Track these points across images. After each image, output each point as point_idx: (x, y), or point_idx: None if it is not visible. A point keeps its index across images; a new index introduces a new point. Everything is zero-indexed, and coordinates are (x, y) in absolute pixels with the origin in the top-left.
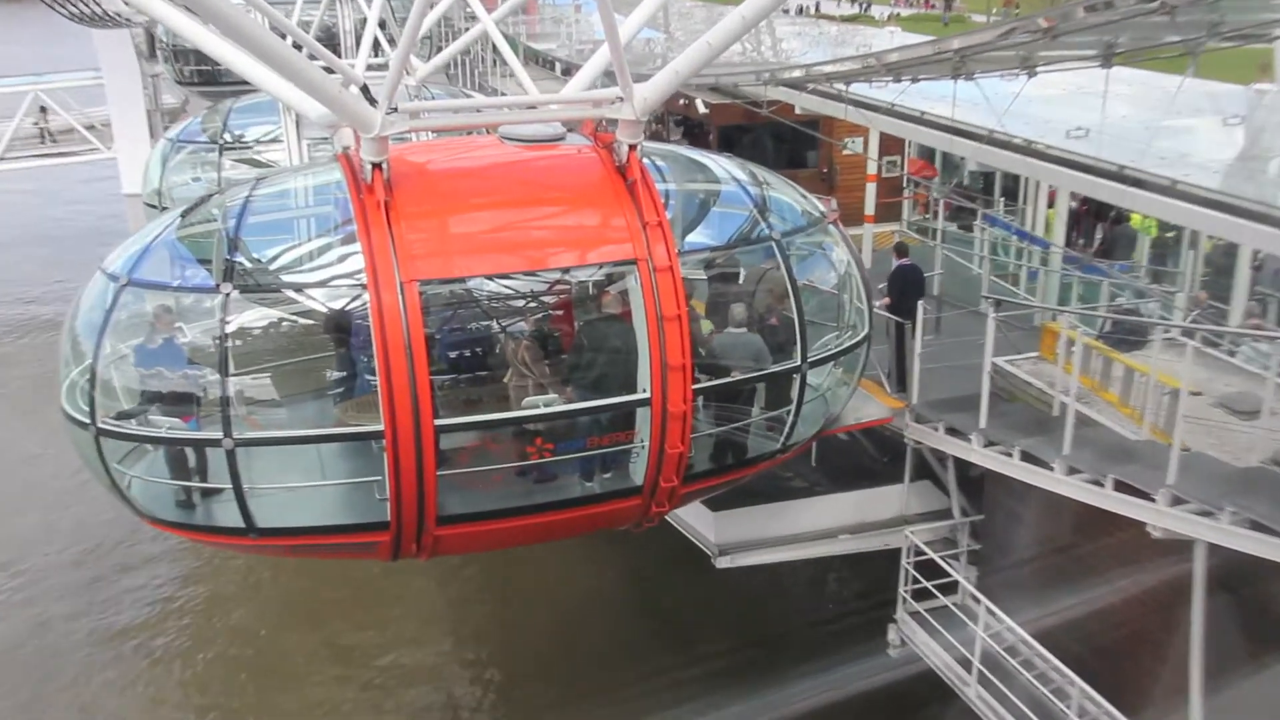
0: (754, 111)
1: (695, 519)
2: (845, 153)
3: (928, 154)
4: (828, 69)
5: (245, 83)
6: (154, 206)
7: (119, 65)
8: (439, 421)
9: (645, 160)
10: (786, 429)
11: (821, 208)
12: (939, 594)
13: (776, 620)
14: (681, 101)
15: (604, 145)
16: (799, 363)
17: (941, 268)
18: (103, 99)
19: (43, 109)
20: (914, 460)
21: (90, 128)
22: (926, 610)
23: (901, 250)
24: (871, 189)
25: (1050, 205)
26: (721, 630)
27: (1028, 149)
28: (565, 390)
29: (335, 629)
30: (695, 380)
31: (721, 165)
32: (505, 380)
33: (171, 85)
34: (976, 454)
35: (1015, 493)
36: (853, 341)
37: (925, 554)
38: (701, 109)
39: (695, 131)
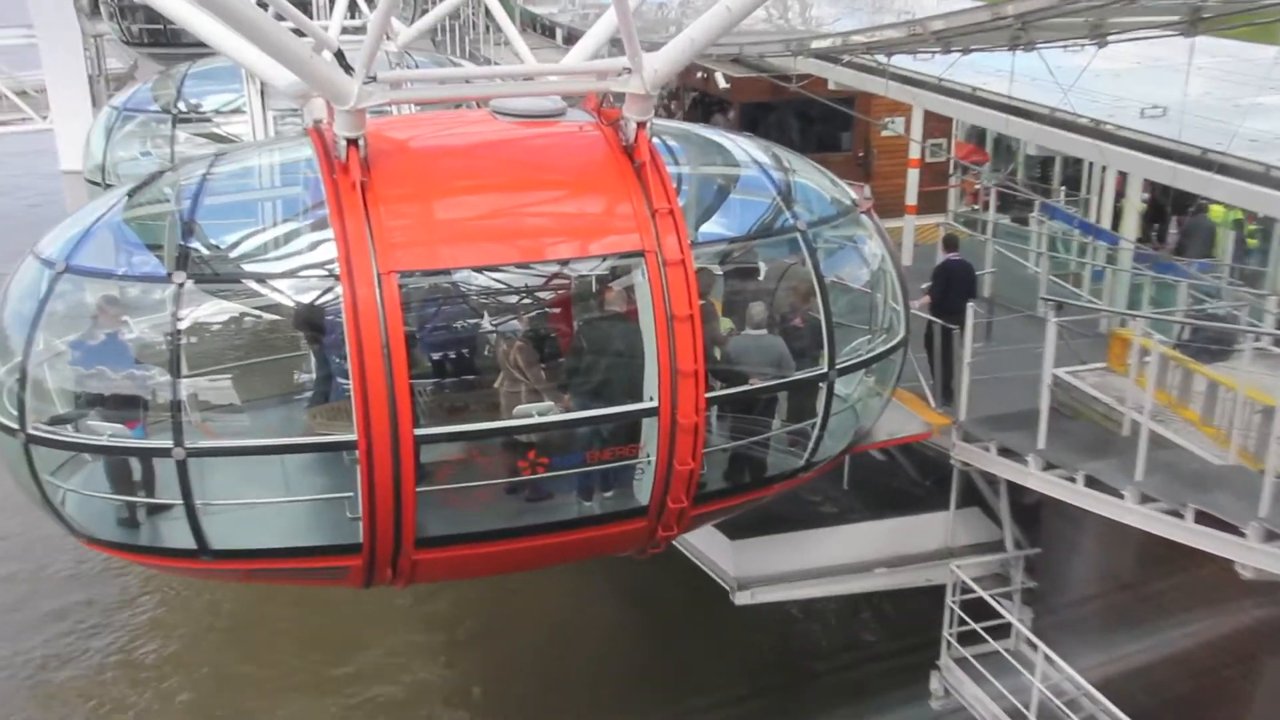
0: (782, 87)
1: (710, 548)
2: (884, 134)
3: (977, 137)
4: (864, 38)
5: (203, 45)
6: (96, 184)
7: (56, 23)
8: (419, 431)
9: (655, 140)
10: (811, 444)
11: (854, 195)
12: (989, 637)
13: (799, 661)
14: (699, 75)
15: (609, 122)
16: (826, 369)
17: (993, 265)
18: (36, 62)
19: None
20: (961, 484)
21: (22, 94)
22: (974, 655)
23: (950, 243)
24: (914, 175)
25: (1120, 195)
26: (736, 671)
27: (1095, 130)
28: (562, 397)
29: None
30: (709, 388)
31: (741, 147)
32: (495, 385)
33: (118, 47)
34: (1035, 478)
35: (1077, 523)
36: (887, 347)
37: (974, 591)
38: (722, 84)
39: (714, 109)
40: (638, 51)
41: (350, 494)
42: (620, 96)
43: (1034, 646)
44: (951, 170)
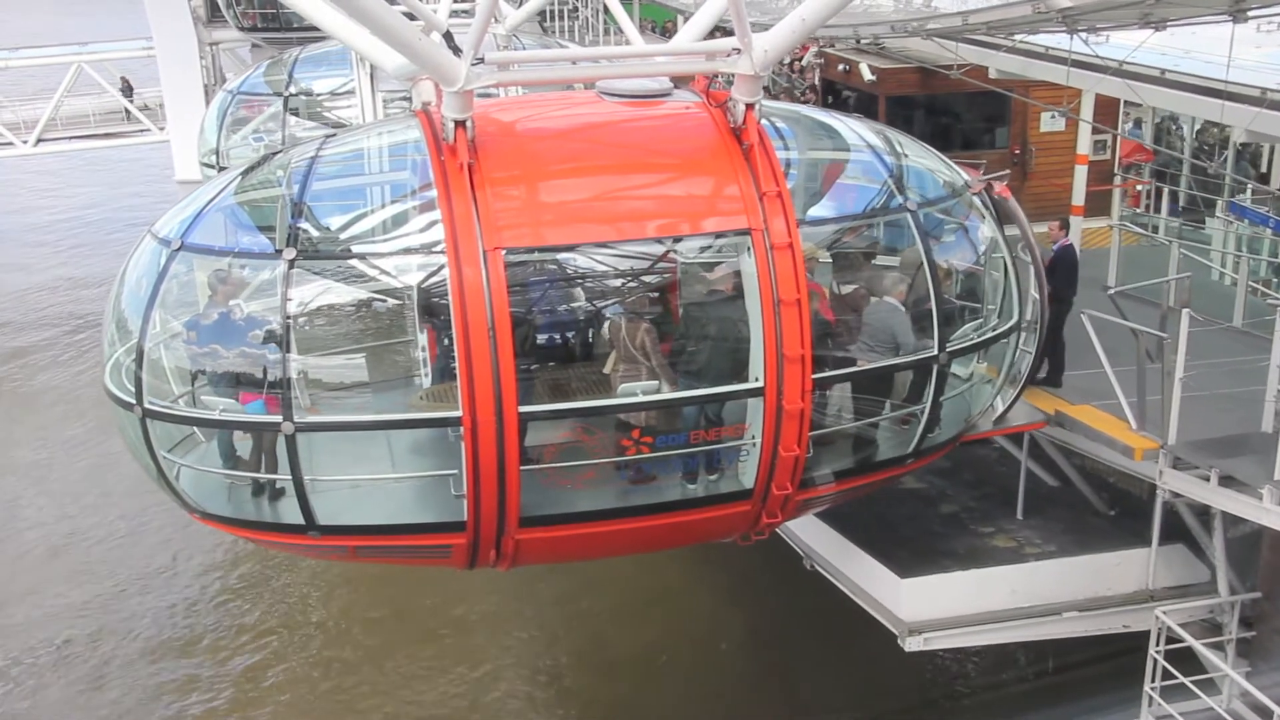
0: (929, 80)
1: (875, 584)
2: (1043, 130)
3: (1138, 134)
4: (985, 17)
5: (314, 29)
6: (210, 167)
7: (173, 32)
8: (524, 408)
9: (764, 122)
10: (920, 430)
11: (966, 177)
12: (1201, 694)
13: (932, 690)
14: (841, 68)
15: (717, 104)
16: (935, 352)
17: (1176, 271)
18: (155, 76)
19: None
20: (1165, 517)
21: (143, 107)
22: (1181, 713)
23: (1064, 226)
24: (1082, 173)
25: None
26: (848, 697)
27: None
28: (680, 378)
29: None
30: (818, 367)
31: (852, 128)
32: (610, 365)
33: (233, 57)
34: (1272, 514)
35: None
36: (998, 331)
37: (1180, 640)
38: (867, 76)
39: (850, 103)
40: (747, 32)
41: (455, 472)
42: (730, 79)
43: (1252, 706)
44: (1115, 170)
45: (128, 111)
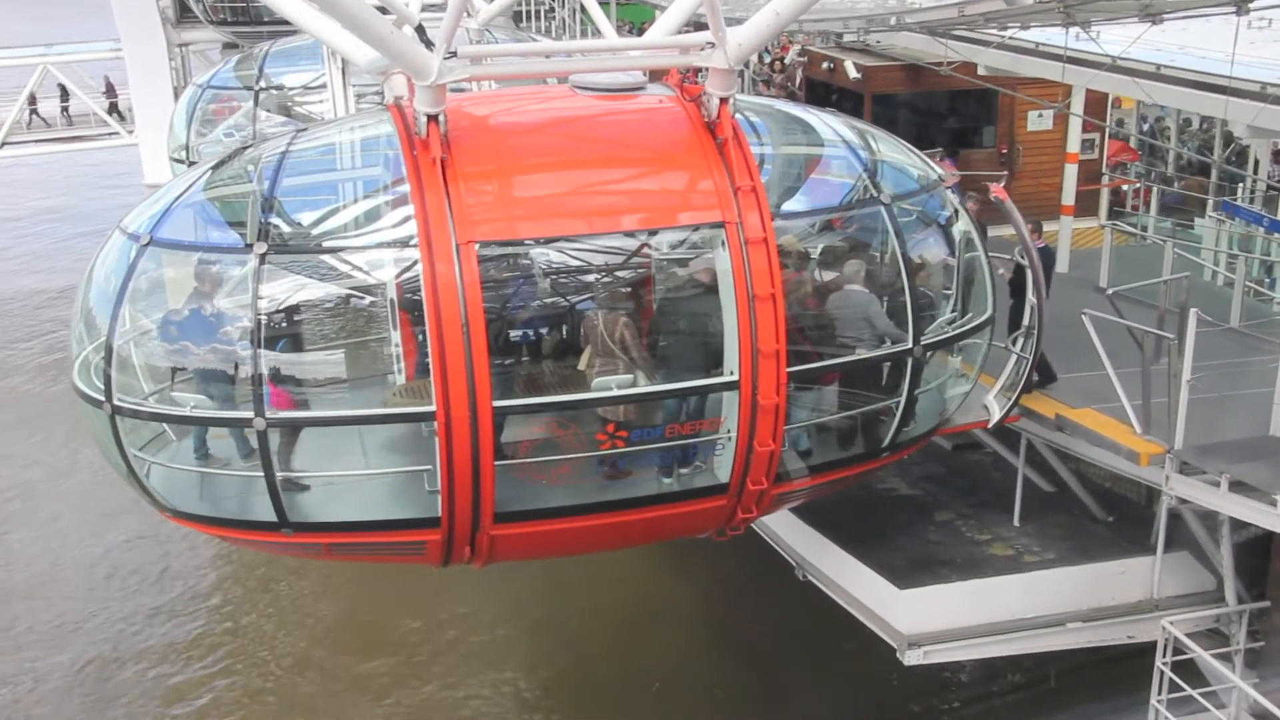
0: (916, 78)
1: (873, 596)
2: (1030, 129)
3: (1124, 134)
4: (976, 7)
5: (286, 24)
6: (180, 162)
7: (141, 32)
8: (498, 403)
9: (738, 116)
10: (895, 423)
11: (940, 171)
12: (1210, 706)
13: (932, 700)
14: (826, 66)
15: (691, 98)
16: (910, 344)
17: (1170, 271)
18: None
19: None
20: (1169, 524)
21: (111, 110)
22: None
23: (1037, 228)
24: (1072, 172)
25: None
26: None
27: None
28: (658, 372)
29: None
30: (792, 359)
31: (825, 122)
32: (584, 361)
33: (204, 59)
34: None
35: None
36: (972, 325)
37: (1186, 651)
38: (852, 74)
39: (835, 101)
40: (721, 25)
41: (429, 467)
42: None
43: (1260, 717)
44: (1103, 171)
45: (95, 115)
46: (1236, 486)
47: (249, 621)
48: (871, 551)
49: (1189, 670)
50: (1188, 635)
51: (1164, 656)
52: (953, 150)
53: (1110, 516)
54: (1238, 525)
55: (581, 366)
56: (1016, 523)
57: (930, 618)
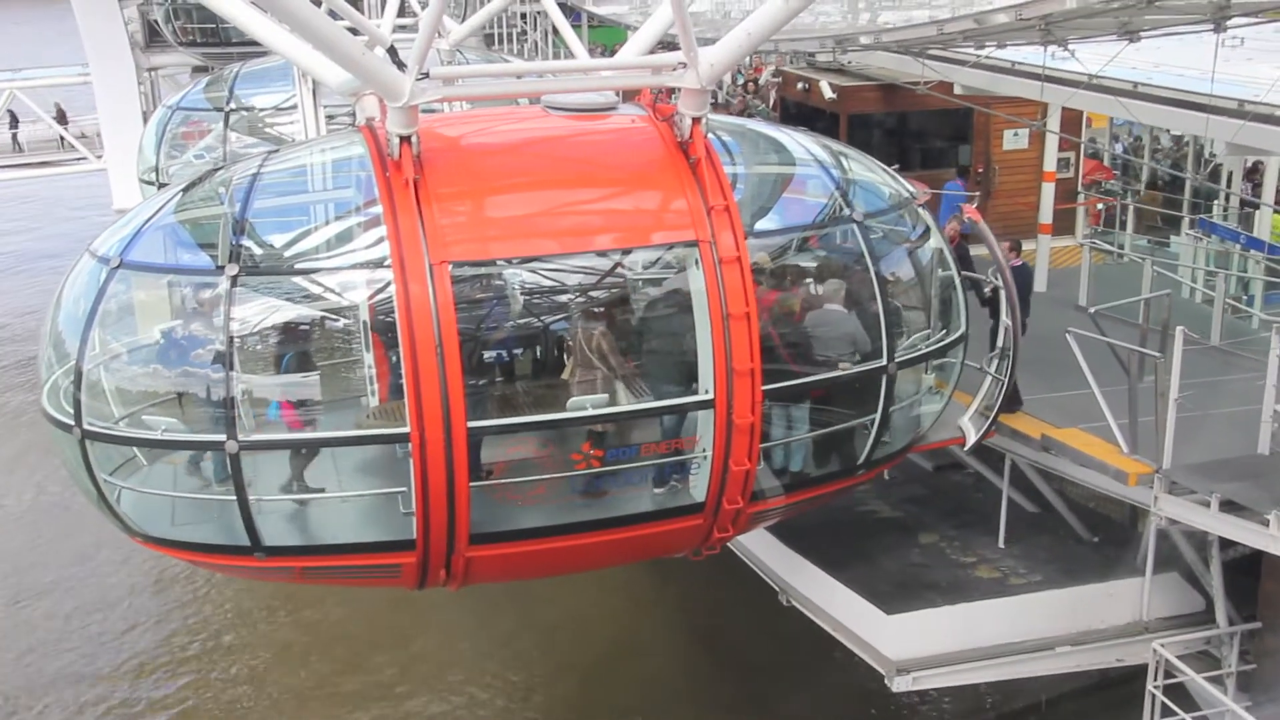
0: (892, 98)
1: (860, 622)
2: (1006, 149)
3: (1098, 153)
4: (955, 25)
5: (256, 45)
6: (150, 184)
7: (109, 58)
8: (473, 423)
9: (711, 136)
10: (871, 441)
11: (911, 189)
12: None
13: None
14: (801, 86)
15: (664, 118)
16: (884, 361)
17: (1150, 289)
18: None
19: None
20: (1158, 545)
21: (80, 136)
22: None
23: (1015, 247)
24: (1049, 190)
25: None
26: None
27: None
28: (637, 387)
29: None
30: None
31: (798, 142)
32: (568, 371)
33: (173, 84)
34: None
35: None
36: (945, 342)
37: (1178, 674)
38: (828, 94)
39: (809, 122)
40: (693, 45)
41: (404, 489)
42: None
43: None
44: (1079, 189)
45: (62, 139)
46: (1227, 506)
47: (222, 640)
48: (856, 576)
49: (1180, 694)
50: (1178, 658)
51: (1155, 680)
52: (962, 172)
53: (1095, 537)
54: (1225, 544)
55: (564, 377)
56: (1001, 544)
57: (918, 643)
